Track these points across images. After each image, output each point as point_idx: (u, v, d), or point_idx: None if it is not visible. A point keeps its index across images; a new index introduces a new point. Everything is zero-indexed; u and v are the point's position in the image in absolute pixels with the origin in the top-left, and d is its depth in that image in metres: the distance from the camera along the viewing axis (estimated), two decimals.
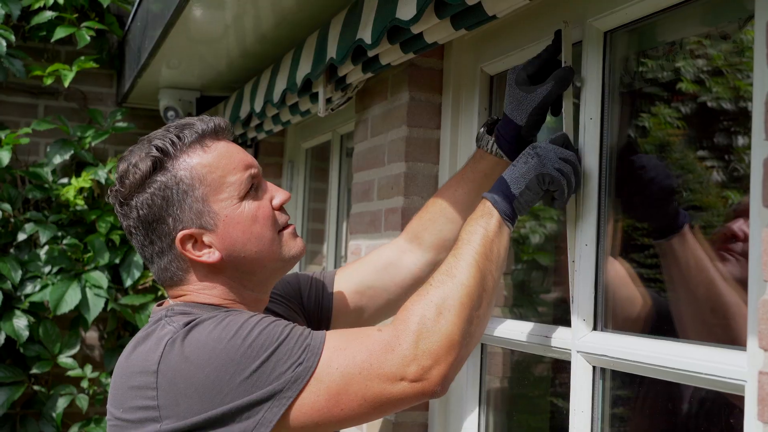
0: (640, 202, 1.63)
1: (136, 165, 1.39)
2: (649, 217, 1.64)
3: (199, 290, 1.43)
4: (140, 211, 1.39)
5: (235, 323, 1.30)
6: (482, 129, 1.66)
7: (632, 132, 1.74)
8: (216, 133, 1.44)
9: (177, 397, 1.27)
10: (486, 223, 1.40)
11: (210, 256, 1.40)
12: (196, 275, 1.42)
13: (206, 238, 1.39)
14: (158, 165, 1.38)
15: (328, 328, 1.66)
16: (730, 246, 1.45)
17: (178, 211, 1.38)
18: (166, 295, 1.51)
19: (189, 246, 1.39)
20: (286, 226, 1.48)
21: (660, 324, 1.63)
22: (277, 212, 1.47)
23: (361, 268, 1.74)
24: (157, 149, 1.38)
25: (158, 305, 1.48)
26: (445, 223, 1.67)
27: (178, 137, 1.40)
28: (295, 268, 3.54)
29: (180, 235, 1.38)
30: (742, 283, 1.44)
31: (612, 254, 1.60)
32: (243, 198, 1.41)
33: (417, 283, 1.64)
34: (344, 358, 1.28)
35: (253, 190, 1.43)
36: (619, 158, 1.61)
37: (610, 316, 1.57)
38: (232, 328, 1.29)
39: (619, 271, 1.62)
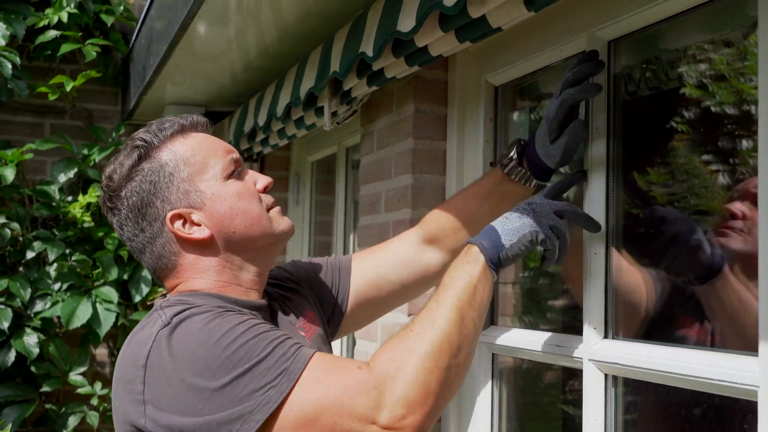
0: (670, 257, 1.63)
1: (122, 161, 1.44)
2: (684, 269, 1.63)
3: (193, 275, 1.43)
4: (129, 200, 1.42)
5: (221, 328, 1.27)
6: (512, 155, 1.65)
7: (638, 140, 1.75)
8: (195, 126, 1.50)
9: (159, 395, 1.27)
10: (471, 270, 1.39)
11: (200, 232, 1.41)
12: (189, 257, 1.43)
13: (195, 216, 1.41)
14: (143, 155, 1.43)
15: (342, 315, 1.69)
16: (731, 224, 1.50)
17: (165, 192, 1.41)
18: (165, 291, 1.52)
19: (179, 225, 1.41)
20: (272, 207, 1.50)
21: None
22: (261, 194, 1.49)
23: (378, 260, 1.74)
24: (140, 140, 1.43)
25: (160, 296, 1.49)
26: (466, 235, 1.68)
27: (159, 129, 1.45)
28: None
29: (169, 214, 1.41)
30: (747, 256, 1.48)
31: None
32: (227, 178, 1.45)
33: (434, 278, 1.68)
34: (318, 390, 1.24)
35: (236, 173, 1.47)
36: (626, 184, 1.61)
37: (620, 324, 1.58)
38: (216, 332, 1.26)
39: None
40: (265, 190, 1.50)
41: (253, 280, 1.47)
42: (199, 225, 1.41)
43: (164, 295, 1.49)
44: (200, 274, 1.43)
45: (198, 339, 1.26)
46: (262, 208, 1.47)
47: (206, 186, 1.42)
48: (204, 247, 1.42)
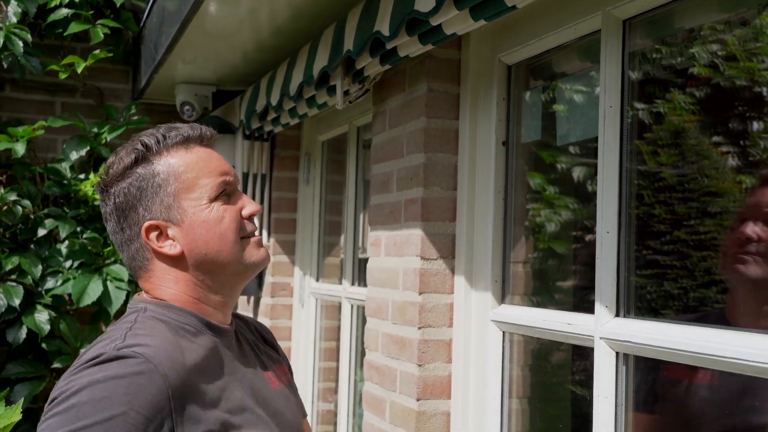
0: None
1: (122, 157, 1.48)
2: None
3: (165, 283, 1.48)
4: (117, 199, 1.47)
5: (103, 392, 1.24)
6: None
7: (651, 119, 1.75)
8: (201, 140, 1.52)
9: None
10: None
11: (171, 248, 1.45)
12: (161, 266, 1.48)
13: (170, 231, 1.46)
14: (140, 158, 1.47)
15: None
16: (747, 249, 1.48)
17: (149, 202, 1.45)
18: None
19: (153, 236, 1.46)
20: (251, 236, 1.52)
21: None
22: (245, 221, 1.51)
23: None
24: (142, 144, 1.47)
25: (138, 295, 1.53)
26: None
27: (164, 137, 1.49)
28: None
29: (146, 224, 1.45)
30: (766, 282, 1.45)
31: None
32: (213, 200, 1.47)
33: None
34: None
35: (224, 195, 1.49)
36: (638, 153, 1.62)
37: (632, 303, 1.59)
38: (96, 394, 1.23)
39: None
40: (251, 218, 1.52)
41: (220, 302, 1.50)
42: (172, 240, 1.46)
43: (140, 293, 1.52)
44: (172, 284, 1.48)
45: (88, 380, 1.25)
46: (238, 237, 1.49)
47: (189, 205, 1.46)
48: (174, 261, 1.47)
